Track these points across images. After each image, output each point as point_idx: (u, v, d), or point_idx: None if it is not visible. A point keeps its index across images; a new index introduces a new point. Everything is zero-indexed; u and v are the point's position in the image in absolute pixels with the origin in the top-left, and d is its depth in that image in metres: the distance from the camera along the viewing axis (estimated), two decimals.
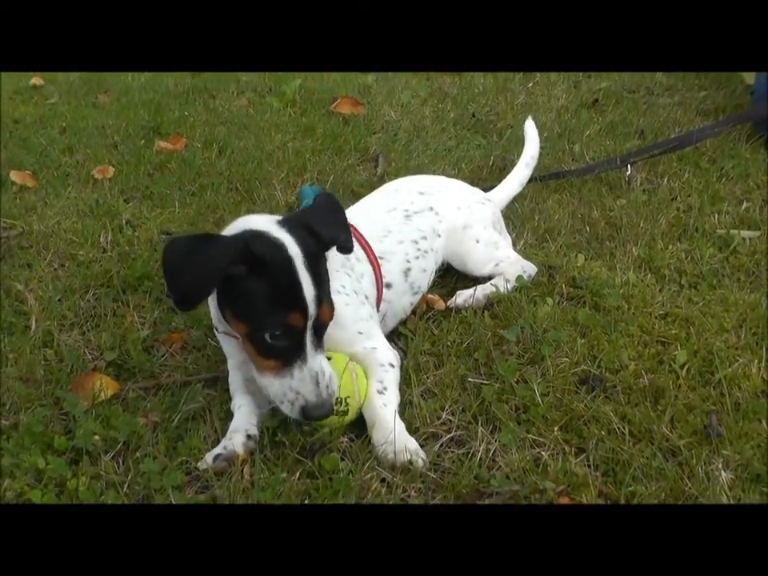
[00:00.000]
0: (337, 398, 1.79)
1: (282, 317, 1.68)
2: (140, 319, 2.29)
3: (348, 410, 1.83)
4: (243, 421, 1.83)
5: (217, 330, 1.97)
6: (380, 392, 1.86)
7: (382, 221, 2.34)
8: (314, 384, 1.72)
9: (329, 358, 1.82)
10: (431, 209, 2.46)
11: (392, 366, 1.94)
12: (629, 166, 3.19)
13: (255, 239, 1.72)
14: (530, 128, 2.98)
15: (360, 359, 1.93)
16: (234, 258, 1.67)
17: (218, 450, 1.75)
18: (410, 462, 1.70)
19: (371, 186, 2.82)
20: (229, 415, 1.90)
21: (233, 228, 1.83)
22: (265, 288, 1.68)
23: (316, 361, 1.73)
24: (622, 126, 3.80)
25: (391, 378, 1.90)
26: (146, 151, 3.54)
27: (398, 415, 1.83)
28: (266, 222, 1.80)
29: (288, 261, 1.70)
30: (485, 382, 2.00)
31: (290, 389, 1.72)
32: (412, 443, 1.76)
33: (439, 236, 2.43)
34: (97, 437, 1.79)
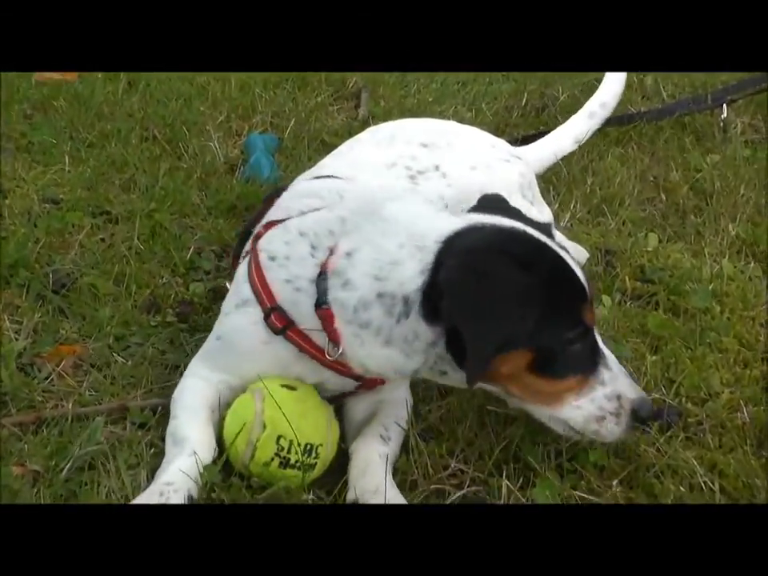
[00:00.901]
0: (306, 445, 1.85)
1: (578, 313, 1.79)
2: (14, 326, 2.29)
3: (317, 462, 1.87)
4: (187, 475, 1.83)
5: (278, 327, 1.90)
6: (383, 438, 1.94)
7: (386, 182, 2.34)
8: (627, 375, 1.82)
9: (293, 388, 1.89)
10: (437, 168, 2.47)
11: (405, 421, 2.01)
12: (724, 106, 3.23)
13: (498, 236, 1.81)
14: None
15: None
16: None
17: (141, 501, 1.77)
18: None
19: (350, 134, 2.84)
20: (143, 460, 1.91)
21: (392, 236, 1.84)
22: (547, 288, 1.74)
23: (609, 351, 1.84)
24: None
25: (398, 431, 1.98)
26: (20, 82, 3.53)
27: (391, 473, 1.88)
28: (467, 217, 1.87)
29: (546, 247, 1.82)
30: (511, 413, 2.01)
31: (606, 399, 1.79)
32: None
33: (447, 206, 2.44)
34: None
